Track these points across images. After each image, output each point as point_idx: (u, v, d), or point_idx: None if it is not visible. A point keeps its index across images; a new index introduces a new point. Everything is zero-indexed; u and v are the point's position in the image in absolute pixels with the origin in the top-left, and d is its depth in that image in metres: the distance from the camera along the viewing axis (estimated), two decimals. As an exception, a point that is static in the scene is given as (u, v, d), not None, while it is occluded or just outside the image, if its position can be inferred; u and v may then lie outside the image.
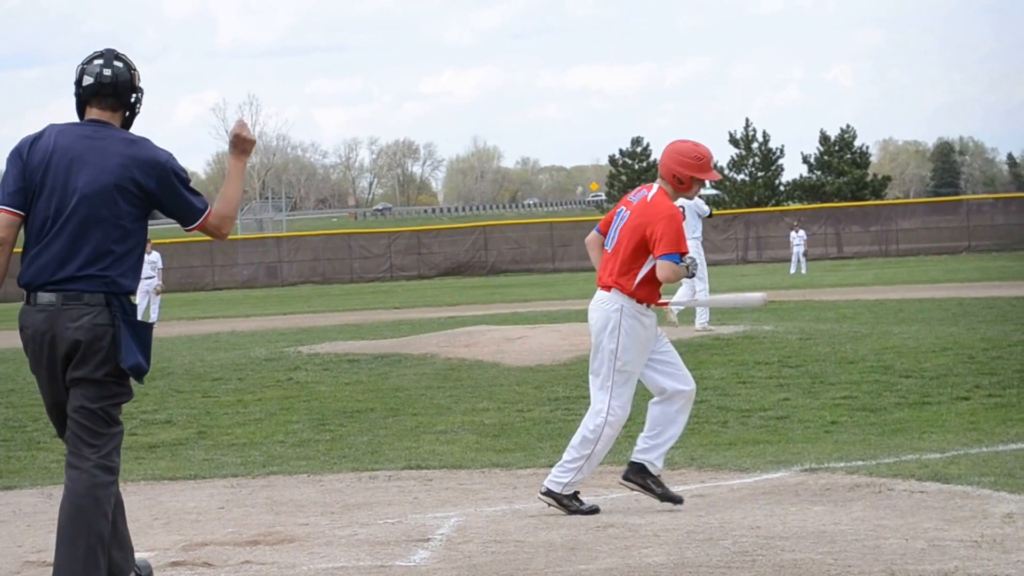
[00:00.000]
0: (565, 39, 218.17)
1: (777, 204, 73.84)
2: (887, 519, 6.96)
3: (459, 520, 7.44)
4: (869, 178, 77.26)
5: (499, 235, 57.75)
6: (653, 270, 7.56)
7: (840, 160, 76.68)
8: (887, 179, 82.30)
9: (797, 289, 31.66)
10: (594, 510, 7.53)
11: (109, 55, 5.55)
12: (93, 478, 5.39)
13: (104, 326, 5.38)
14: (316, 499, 8.37)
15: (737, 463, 8.90)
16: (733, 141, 78.77)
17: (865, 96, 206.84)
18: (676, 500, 7.58)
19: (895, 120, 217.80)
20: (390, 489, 8.62)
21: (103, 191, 5.40)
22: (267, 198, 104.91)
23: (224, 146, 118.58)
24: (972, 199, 64.04)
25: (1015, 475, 7.94)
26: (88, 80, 5.51)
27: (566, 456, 7.64)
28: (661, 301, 7.80)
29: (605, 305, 7.72)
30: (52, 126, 5.55)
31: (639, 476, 7.66)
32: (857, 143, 78.59)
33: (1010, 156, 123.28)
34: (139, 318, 5.57)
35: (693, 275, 7.77)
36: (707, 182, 7.90)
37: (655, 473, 7.67)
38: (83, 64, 5.55)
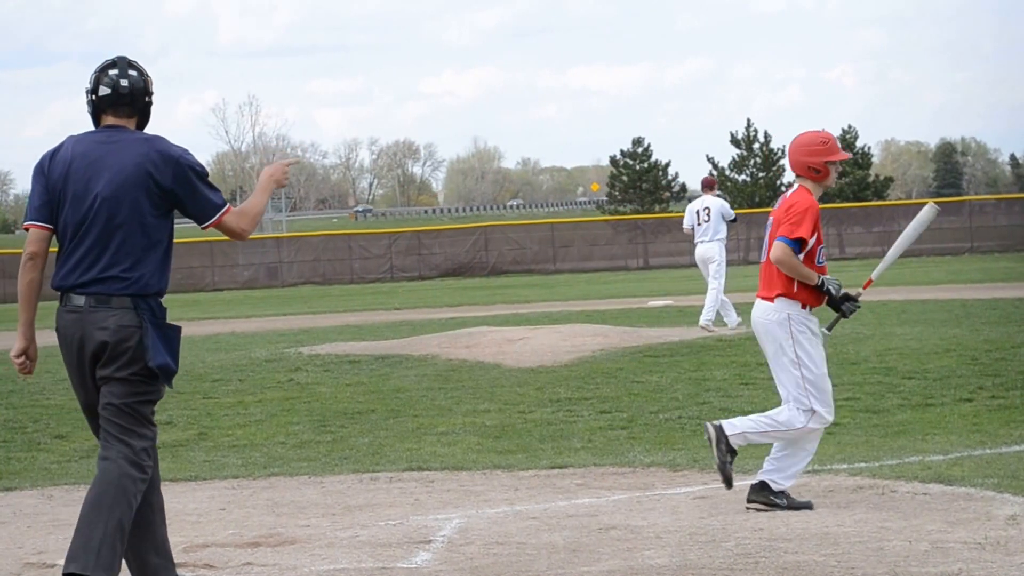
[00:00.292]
0: (565, 39, 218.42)
1: (779, 205, 73.71)
2: (890, 521, 6.94)
3: (461, 522, 7.42)
4: (871, 179, 77.19)
5: (500, 236, 57.68)
6: (813, 267, 7.44)
7: (842, 161, 76.64)
8: (889, 180, 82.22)
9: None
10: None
11: (123, 64, 5.69)
12: (120, 468, 5.49)
13: (131, 327, 5.50)
14: (317, 500, 8.35)
15: (740, 464, 8.85)
16: (734, 142, 78.68)
17: (867, 96, 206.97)
18: (806, 507, 7.42)
19: (897, 121, 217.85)
20: (391, 491, 8.60)
21: (122, 192, 5.53)
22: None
23: (224, 147, 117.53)
24: (975, 200, 63.95)
25: (1019, 477, 7.92)
26: (105, 91, 5.65)
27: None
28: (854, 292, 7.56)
29: (769, 316, 7.55)
30: (70, 137, 5.72)
31: (761, 495, 7.48)
32: (859, 144, 78.50)
33: (1013, 157, 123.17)
34: None
35: (829, 292, 7.54)
36: (839, 162, 7.74)
37: (776, 490, 7.47)
38: (97, 72, 5.67)
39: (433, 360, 15.55)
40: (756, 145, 78.65)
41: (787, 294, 7.49)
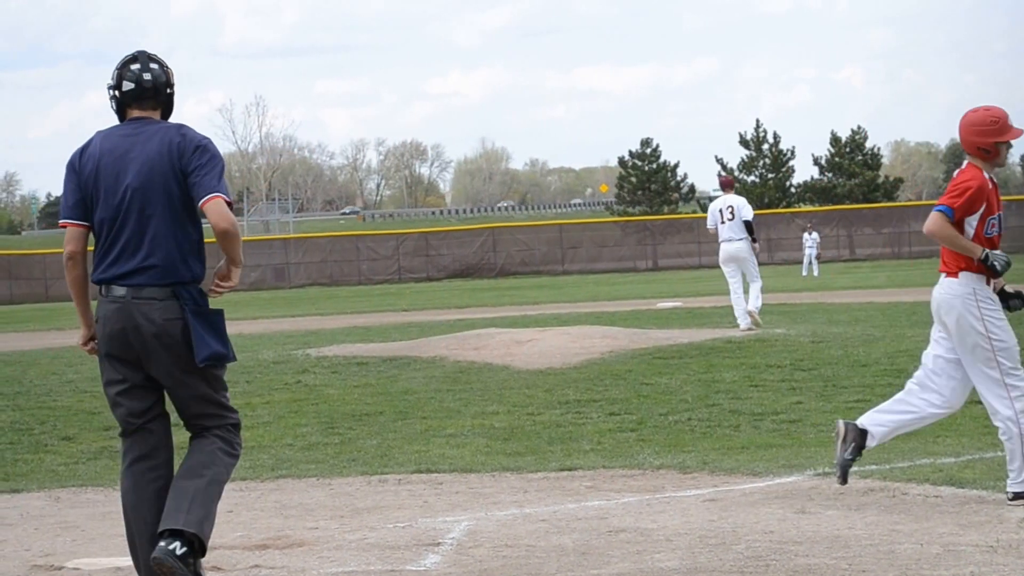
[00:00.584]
0: (573, 39, 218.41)
1: (788, 206, 73.70)
2: (901, 524, 6.91)
3: (469, 524, 7.39)
4: (881, 180, 77.10)
5: (508, 237, 57.68)
6: (981, 240, 7.15)
7: (851, 162, 76.54)
8: (899, 181, 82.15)
9: (809, 291, 31.61)
10: None
11: (144, 58, 5.81)
12: (213, 444, 5.78)
13: (173, 319, 5.63)
14: (325, 503, 8.33)
15: (750, 467, 8.83)
16: (743, 142, 78.61)
17: (877, 97, 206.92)
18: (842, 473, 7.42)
19: (907, 121, 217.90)
20: (400, 493, 8.58)
21: (150, 180, 5.64)
22: (274, 200, 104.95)
23: (231, 147, 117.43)
24: (984, 201, 63.85)
25: (1031, 479, 7.86)
26: (128, 85, 5.76)
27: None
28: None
29: (952, 290, 7.19)
30: (98, 133, 5.83)
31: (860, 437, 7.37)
32: (868, 144, 78.41)
33: (1023, 158, 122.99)
34: None
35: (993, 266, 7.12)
36: (1010, 142, 7.34)
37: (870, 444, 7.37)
38: (119, 68, 5.78)
39: (441, 362, 15.53)
40: (765, 146, 78.53)
41: (971, 268, 7.17)
